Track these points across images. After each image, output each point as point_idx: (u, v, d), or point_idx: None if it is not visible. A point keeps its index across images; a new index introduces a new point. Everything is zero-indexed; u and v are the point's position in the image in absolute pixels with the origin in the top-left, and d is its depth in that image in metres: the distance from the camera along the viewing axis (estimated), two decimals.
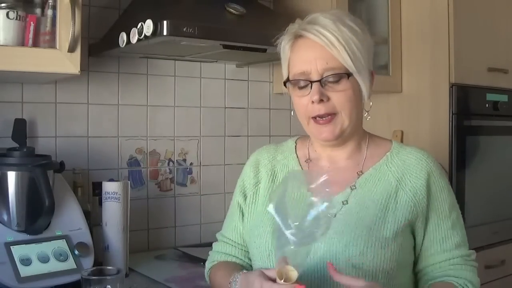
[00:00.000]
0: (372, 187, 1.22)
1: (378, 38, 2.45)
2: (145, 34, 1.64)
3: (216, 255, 1.44)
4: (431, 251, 1.24)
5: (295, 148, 1.37)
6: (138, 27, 1.66)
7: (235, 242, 1.41)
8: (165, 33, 1.60)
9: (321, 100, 1.17)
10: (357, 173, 1.25)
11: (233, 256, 1.40)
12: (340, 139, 1.24)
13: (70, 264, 1.51)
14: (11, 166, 1.54)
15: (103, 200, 1.73)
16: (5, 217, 1.53)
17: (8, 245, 1.47)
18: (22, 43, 1.56)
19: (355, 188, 1.23)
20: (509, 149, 2.48)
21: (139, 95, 2.11)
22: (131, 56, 2.06)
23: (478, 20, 2.33)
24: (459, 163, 2.25)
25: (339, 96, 1.17)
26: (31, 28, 1.56)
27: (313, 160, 1.32)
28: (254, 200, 1.36)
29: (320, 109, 1.18)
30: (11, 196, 1.53)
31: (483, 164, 2.36)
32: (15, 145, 1.70)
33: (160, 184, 2.17)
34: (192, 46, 1.80)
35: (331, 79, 1.17)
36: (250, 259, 1.36)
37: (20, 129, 1.76)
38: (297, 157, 1.34)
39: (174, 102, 2.20)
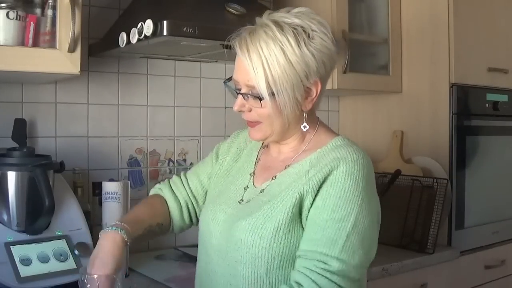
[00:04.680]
0: (284, 180, 1.22)
1: (378, 38, 2.45)
2: (145, 34, 1.64)
3: (165, 186, 1.46)
4: (304, 237, 1.16)
5: None
6: (138, 27, 1.66)
7: (188, 185, 1.44)
8: (165, 33, 1.60)
9: (241, 110, 1.23)
10: (285, 166, 1.26)
11: (174, 197, 1.42)
12: (270, 140, 1.27)
13: (70, 264, 1.51)
14: (11, 166, 1.53)
15: (103, 200, 1.73)
16: (5, 217, 1.53)
17: (8, 245, 1.47)
18: (22, 43, 1.56)
19: (275, 178, 1.25)
20: (509, 149, 2.48)
21: (139, 95, 2.11)
22: (131, 56, 2.06)
23: (478, 20, 2.33)
24: (459, 163, 2.25)
25: (257, 111, 1.21)
26: (31, 28, 1.56)
27: (266, 148, 1.36)
28: (219, 169, 1.41)
29: (245, 116, 1.25)
30: (11, 196, 1.53)
31: (483, 164, 2.36)
32: (15, 145, 1.70)
33: None
34: (192, 46, 1.80)
35: (248, 97, 1.20)
36: (184, 211, 1.42)
37: (20, 129, 1.76)
38: (262, 143, 1.38)
39: (174, 102, 2.20)
